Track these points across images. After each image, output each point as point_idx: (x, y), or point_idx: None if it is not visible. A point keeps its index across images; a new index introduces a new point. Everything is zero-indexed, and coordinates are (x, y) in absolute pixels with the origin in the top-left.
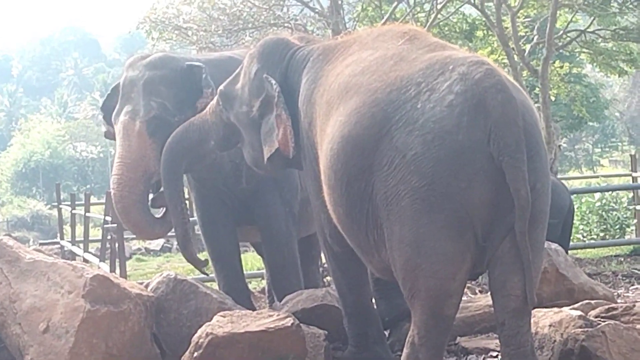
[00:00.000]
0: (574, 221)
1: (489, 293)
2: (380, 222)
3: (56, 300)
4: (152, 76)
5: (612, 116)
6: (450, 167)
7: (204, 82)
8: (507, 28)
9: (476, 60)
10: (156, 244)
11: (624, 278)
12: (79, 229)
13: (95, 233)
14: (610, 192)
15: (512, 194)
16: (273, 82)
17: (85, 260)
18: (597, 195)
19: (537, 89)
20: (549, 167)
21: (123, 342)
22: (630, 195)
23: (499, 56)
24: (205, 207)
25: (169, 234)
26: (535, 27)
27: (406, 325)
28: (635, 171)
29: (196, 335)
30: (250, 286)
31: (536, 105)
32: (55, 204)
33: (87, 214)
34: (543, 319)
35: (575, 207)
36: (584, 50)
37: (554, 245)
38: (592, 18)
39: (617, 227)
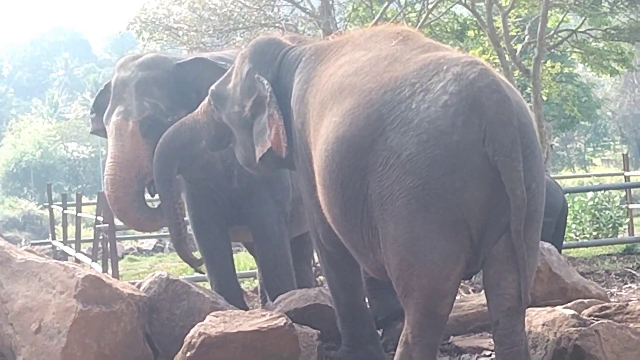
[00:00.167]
0: (567, 220)
1: (482, 292)
2: (374, 222)
3: (48, 300)
4: (144, 76)
5: (604, 115)
6: (445, 167)
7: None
8: (498, 28)
9: (470, 60)
10: (148, 243)
11: (617, 277)
12: (71, 229)
13: (87, 233)
14: (602, 191)
15: (507, 194)
16: (265, 82)
17: (77, 261)
18: (590, 194)
19: (529, 88)
20: (543, 166)
21: (115, 342)
22: (623, 194)
23: (490, 56)
24: (197, 207)
25: (162, 233)
26: (527, 27)
27: (399, 325)
28: (628, 170)
29: (189, 335)
30: (242, 286)
31: (528, 105)
32: (47, 204)
33: (79, 214)
34: (536, 318)
35: (568, 206)
36: (576, 50)
37: (547, 245)
38: (583, 18)
39: (610, 226)
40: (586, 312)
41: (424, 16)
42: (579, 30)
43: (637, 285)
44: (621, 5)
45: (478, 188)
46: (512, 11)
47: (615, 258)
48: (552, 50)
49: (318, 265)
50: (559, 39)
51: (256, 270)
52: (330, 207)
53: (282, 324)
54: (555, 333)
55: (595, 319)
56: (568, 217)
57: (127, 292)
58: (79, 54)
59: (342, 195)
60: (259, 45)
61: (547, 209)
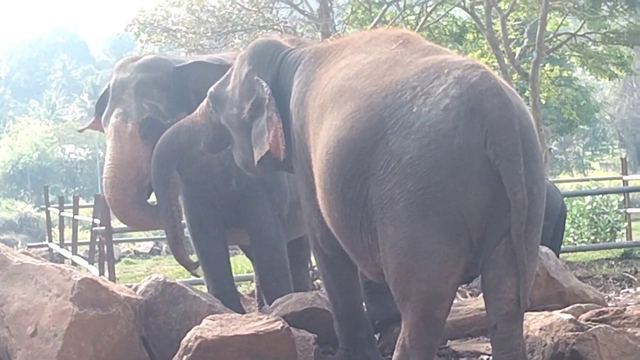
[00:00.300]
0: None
1: (479, 296)
2: (374, 226)
3: (44, 303)
4: (144, 78)
5: (603, 119)
6: (447, 170)
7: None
8: (497, 31)
9: (471, 64)
10: (145, 246)
11: (614, 281)
12: (68, 232)
13: (84, 236)
14: (601, 195)
15: (508, 198)
16: (264, 84)
17: (74, 263)
18: (588, 198)
19: (528, 92)
20: (544, 170)
21: (112, 345)
22: (621, 198)
23: (489, 59)
24: (194, 210)
25: (159, 236)
26: (526, 30)
27: (396, 329)
28: (626, 174)
29: (185, 338)
30: (239, 289)
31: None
32: (44, 206)
33: (76, 217)
34: (534, 323)
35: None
36: (574, 53)
37: (545, 249)
38: (582, 21)
39: (608, 230)
40: (584, 316)
41: (422, 19)
42: (578, 33)
43: (634, 289)
44: (620, 9)
45: (479, 191)
46: (511, 14)
47: (613, 262)
48: (551, 54)
49: (315, 268)
50: (558, 42)
51: (253, 274)
52: (330, 211)
53: (279, 327)
54: (552, 338)
55: (593, 323)
56: (566, 221)
57: (123, 295)
58: (76, 56)
59: (343, 199)
60: (258, 47)
61: (545, 212)
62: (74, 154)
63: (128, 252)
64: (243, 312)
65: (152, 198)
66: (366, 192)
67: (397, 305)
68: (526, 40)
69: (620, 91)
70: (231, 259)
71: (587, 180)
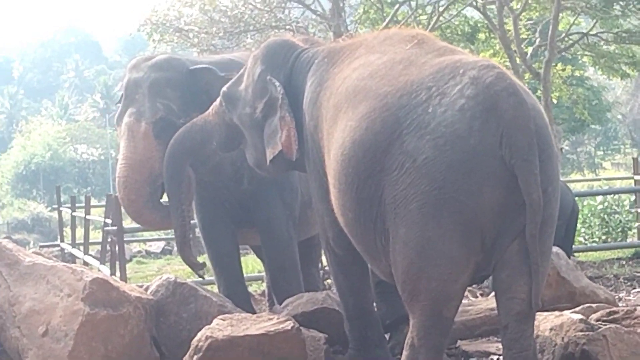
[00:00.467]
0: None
1: (489, 296)
2: (387, 227)
3: (55, 303)
4: (157, 78)
5: (615, 119)
6: (462, 171)
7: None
8: (509, 31)
9: (487, 64)
10: (157, 246)
11: (625, 281)
12: (79, 232)
13: (96, 235)
14: (612, 195)
15: (523, 198)
16: (277, 83)
17: (85, 263)
18: (599, 198)
19: (539, 91)
20: (559, 171)
21: (122, 345)
22: (633, 198)
23: (501, 59)
24: (206, 210)
25: (171, 236)
26: (538, 30)
27: (407, 329)
28: (638, 174)
29: (196, 338)
30: (250, 289)
31: None
32: (56, 206)
33: (88, 217)
34: (544, 323)
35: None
36: (586, 53)
37: (555, 249)
38: (594, 21)
39: (619, 230)
40: (594, 316)
41: (435, 19)
42: (590, 33)
43: None
44: (633, 9)
45: (494, 192)
46: (524, 14)
47: (624, 262)
48: (563, 53)
49: (326, 268)
50: (570, 42)
51: (264, 274)
52: (344, 211)
53: (290, 327)
54: (562, 338)
55: (603, 323)
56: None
57: (134, 295)
58: (89, 56)
59: (357, 200)
60: (272, 47)
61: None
62: (87, 154)
63: (139, 252)
64: (254, 312)
65: (165, 198)
66: (380, 192)
67: (405, 304)
68: (538, 40)
69: (632, 91)
70: (242, 258)
71: (599, 180)
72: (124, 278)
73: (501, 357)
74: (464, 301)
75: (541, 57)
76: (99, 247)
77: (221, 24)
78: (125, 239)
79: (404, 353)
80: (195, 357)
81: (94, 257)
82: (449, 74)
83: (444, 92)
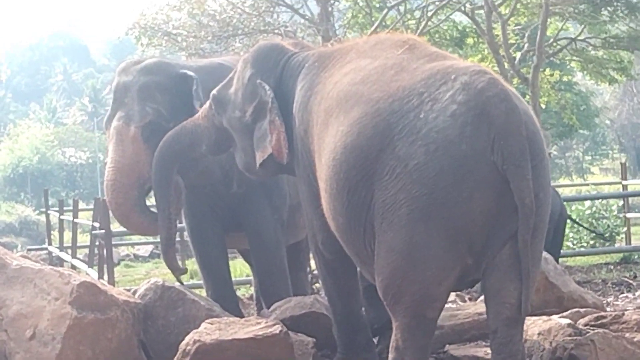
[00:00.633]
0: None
1: (478, 301)
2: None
3: (43, 307)
4: (147, 82)
5: (603, 124)
6: (453, 176)
7: (195, 94)
8: (497, 36)
9: (478, 69)
10: (145, 250)
11: (613, 286)
12: (67, 235)
13: (84, 239)
14: (600, 200)
15: (514, 203)
16: (267, 87)
17: (73, 267)
18: (588, 203)
19: (528, 96)
20: (550, 176)
21: (110, 349)
22: (621, 203)
23: (489, 64)
24: (194, 214)
25: (159, 240)
26: (526, 35)
27: None
28: (626, 179)
29: (184, 342)
30: (238, 293)
31: None
32: (44, 209)
33: (76, 220)
34: (532, 327)
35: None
36: (575, 58)
37: (543, 253)
38: (582, 26)
39: (607, 235)
40: (582, 321)
41: (423, 23)
42: (578, 38)
43: (633, 294)
44: (620, 14)
45: (484, 197)
46: (512, 19)
47: (612, 267)
48: (551, 59)
49: (314, 272)
50: (558, 47)
51: (252, 278)
52: (335, 216)
53: (278, 331)
54: (550, 342)
55: (591, 328)
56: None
57: (122, 298)
58: (77, 59)
59: (348, 205)
60: (262, 51)
61: None
62: (74, 157)
63: (127, 255)
64: (242, 316)
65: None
66: (370, 197)
67: (388, 307)
68: (526, 45)
69: (620, 96)
70: (230, 262)
71: (587, 184)
72: (111, 282)
73: None
74: (453, 306)
75: (529, 62)
76: (86, 250)
77: (210, 28)
78: (113, 242)
79: (390, 356)
80: None
81: (81, 260)
82: (440, 80)
83: (435, 98)
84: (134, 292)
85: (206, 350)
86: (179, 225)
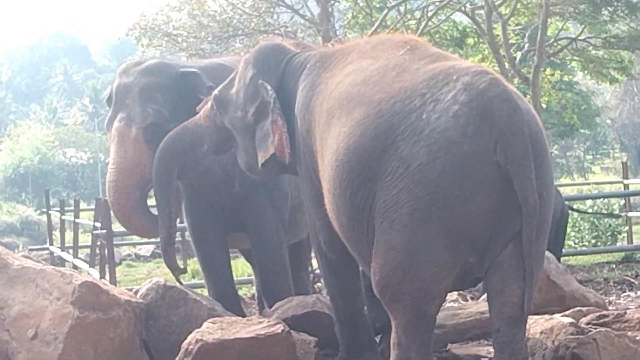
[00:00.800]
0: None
1: (479, 300)
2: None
3: (45, 306)
4: (148, 83)
5: (604, 123)
6: (455, 177)
7: (199, 88)
8: (498, 36)
9: (480, 70)
10: (146, 250)
11: (615, 285)
12: (69, 235)
13: (85, 239)
14: (602, 199)
15: (518, 202)
16: (269, 87)
17: (75, 267)
18: (589, 202)
19: (528, 96)
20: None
21: (112, 348)
22: (622, 202)
23: (489, 64)
24: (196, 214)
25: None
26: (526, 35)
27: None
28: (627, 178)
29: (186, 341)
30: (240, 292)
31: None
32: (45, 209)
33: (77, 220)
34: (534, 326)
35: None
36: (575, 58)
37: (546, 252)
38: (583, 26)
39: (609, 234)
40: (584, 320)
41: (423, 24)
42: (579, 38)
43: (635, 293)
44: (621, 14)
45: (487, 197)
46: (512, 19)
47: (614, 266)
48: (552, 58)
49: (316, 272)
50: (559, 47)
51: (254, 277)
52: (338, 216)
53: (280, 331)
54: (553, 341)
55: (593, 327)
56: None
57: (124, 298)
58: (78, 60)
59: (351, 205)
60: (263, 51)
61: None
62: (75, 157)
63: (129, 255)
64: (244, 316)
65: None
66: (372, 197)
67: (387, 306)
68: (527, 45)
69: (621, 95)
70: (232, 262)
71: (588, 184)
72: (113, 281)
73: None
74: (455, 305)
75: (530, 62)
76: (88, 250)
77: (210, 29)
78: (114, 242)
79: (392, 353)
80: None
81: (83, 260)
82: (442, 80)
83: (437, 99)
84: (136, 292)
85: (208, 349)
86: (180, 224)
